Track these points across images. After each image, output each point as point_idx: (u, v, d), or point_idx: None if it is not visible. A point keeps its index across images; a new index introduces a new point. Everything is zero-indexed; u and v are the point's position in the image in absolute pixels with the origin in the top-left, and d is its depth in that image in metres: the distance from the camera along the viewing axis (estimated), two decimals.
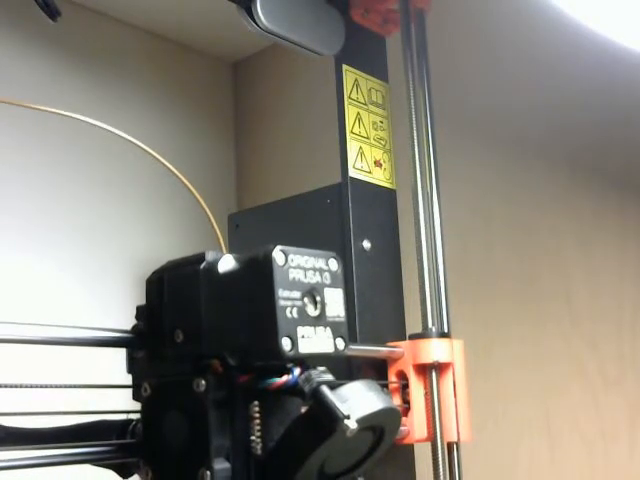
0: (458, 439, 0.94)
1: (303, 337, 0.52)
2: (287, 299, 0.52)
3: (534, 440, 1.22)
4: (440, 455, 0.91)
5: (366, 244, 1.04)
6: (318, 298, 0.54)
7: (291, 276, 0.53)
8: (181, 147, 1.57)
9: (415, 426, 0.93)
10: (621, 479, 1.13)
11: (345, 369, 0.94)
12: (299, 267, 0.53)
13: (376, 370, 0.96)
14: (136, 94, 1.53)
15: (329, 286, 0.55)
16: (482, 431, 1.25)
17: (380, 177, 1.10)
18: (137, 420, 0.60)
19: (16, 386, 0.54)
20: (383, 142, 1.12)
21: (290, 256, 0.53)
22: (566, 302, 1.20)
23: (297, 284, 0.53)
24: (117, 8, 1.49)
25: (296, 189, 1.19)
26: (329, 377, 0.54)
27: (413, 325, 1.00)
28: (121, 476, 0.60)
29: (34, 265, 1.30)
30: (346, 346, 0.55)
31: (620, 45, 0.93)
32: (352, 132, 1.08)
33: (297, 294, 0.53)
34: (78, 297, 1.35)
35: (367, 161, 1.08)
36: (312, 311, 0.54)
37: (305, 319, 0.53)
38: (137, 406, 0.58)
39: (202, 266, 0.55)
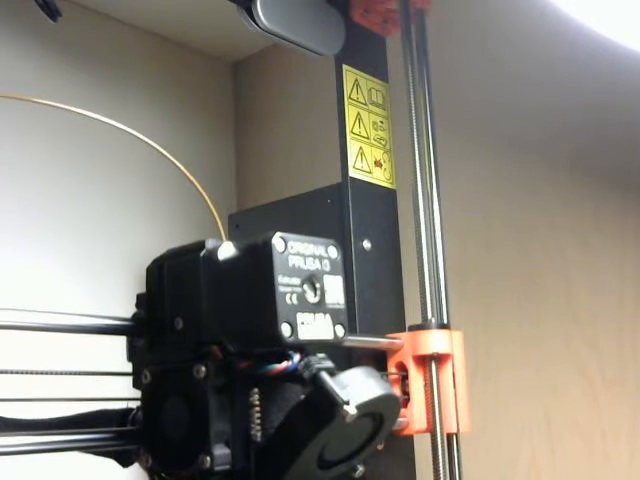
0: (457, 430, 0.94)
1: (303, 323, 0.52)
2: (287, 285, 0.52)
3: (534, 439, 1.21)
4: (440, 446, 0.91)
5: (366, 244, 1.04)
6: (317, 285, 0.54)
7: (291, 263, 0.53)
8: (181, 147, 1.57)
9: (415, 417, 0.93)
10: (621, 479, 1.13)
11: (345, 361, 0.94)
12: (299, 254, 0.54)
13: (376, 362, 0.96)
14: (136, 94, 1.54)
15: (329, 273, 0.55)
16: (482, 430, 1.25)
17: (380, 177, 1.10)
18: (137, 408, 0.60)
19: (16, 372, 0.54)
20: (383, 142, 1.12)
21: (290, 243, 0.53)
22: (566, 302, 1.20)
23: (297, 271, 0.53)
24: (117, 8, 1.50)
25: (296, 189, 1.19)
26: (329, 364, 0.54)
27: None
28: (121, 464, 0.60)
29: (33, 263, 1.31)
30: (345, 333, 0.55)
31: (620, 45, 0.93)
32: (352, 132, 1.08)
33: (297, 281, 0.53)
34: (77, 295, 1.35)
35: (367, 161, 1.09)
36: (312, 298, 0.54)
37: (305, 306, 0.53)
38: (137, 394, 0.58)
39: (202, 253, 0.55)
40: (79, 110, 0.85)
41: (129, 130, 0.85)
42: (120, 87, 1.51)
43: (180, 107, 1.61)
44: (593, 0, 0.89)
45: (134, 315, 0.60)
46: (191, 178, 0.83)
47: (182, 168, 0.84)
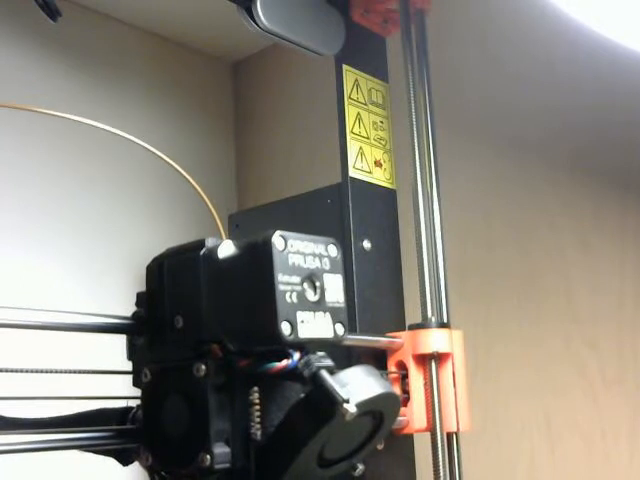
0: (457, 429, 0.94)
1: (302, 322, 0.52)
2: (287, 284, 0.52)
3: (534, 439, 1.21)
4: (440, 445, 0.91)
5: (366, 244, 1.04)
6: (317, 283, 0.54)
7: (291, 261, 0.53)
8: (181, 147, 1.57)
9: (414, 416, 0.93)
10: (621, 479, 1.13)
11: (344, 360, 0.94)
12: (298, 252, 0.54)
13: (376, 361, 0.96)
14: (136, 94, 1.54)
15: (328, 272, 0.55)
16: (482, 430, 1.25)
17: (380, 177, 1.10)
18: (137, 407, 0.60)
19: (15, 371, 0.54)
20: (383, 142, 1.12)
21: (290, 241, 0.53)
22: (566, 301, 1.20)
23: (297, 269, 0.53)
24: (117, 8, 1.50)
25: (296, 189, 1.19)
26: (328, 362, 0.54)
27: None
28: (121, 463, 0.60)
29: (33, 263, 1.31)
30: (345, 332, 0.55)
31: (620, 45, 0.93)
32: (352, 132, 1.08)
33: (297, 279, 0.53)
34: (77, 295, 1.35)
35: (367, 161, 1.08)
36: (311, 296, 0.54)
37: (304, 304, 0.53)
38: (137, 393, 0.58)
39: (202, 252, 0.55)
40: (74, 117, 0.85)
41: (126, 135, 0.85)
42: (120, 87, 1.51)
43: (180, 107, 1.61)
44: (593, 0, 0.89)
45: (134, 314, 0.60)
46: (190, 179, 0.83)
47: (181, 170, 0.84)
